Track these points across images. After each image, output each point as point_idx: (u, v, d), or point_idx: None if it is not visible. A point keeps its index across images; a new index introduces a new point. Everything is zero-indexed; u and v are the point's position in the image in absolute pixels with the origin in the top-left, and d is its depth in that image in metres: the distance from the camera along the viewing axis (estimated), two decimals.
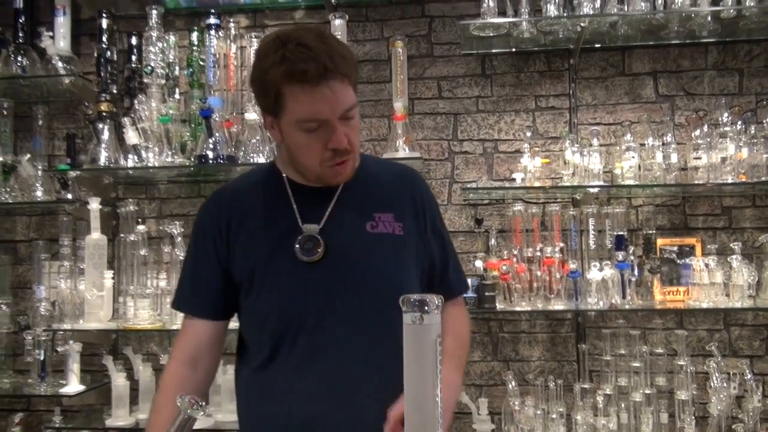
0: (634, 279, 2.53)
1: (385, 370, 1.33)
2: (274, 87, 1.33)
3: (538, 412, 2.49)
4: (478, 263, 2.59)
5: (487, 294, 2.50)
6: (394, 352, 1.29)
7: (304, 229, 1.44)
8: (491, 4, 2.60)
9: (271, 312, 1.45)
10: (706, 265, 2.50)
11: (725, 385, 2.44)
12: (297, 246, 1.43)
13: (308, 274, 1.43)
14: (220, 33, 2.75)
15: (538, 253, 2.57)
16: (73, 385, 2.62)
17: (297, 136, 1.38)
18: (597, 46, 2.77)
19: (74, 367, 2.63)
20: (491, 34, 2.69)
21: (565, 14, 2.58)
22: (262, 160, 2.61)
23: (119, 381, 2.59)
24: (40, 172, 2.83)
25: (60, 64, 2.75)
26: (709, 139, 2.56)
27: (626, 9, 2.56)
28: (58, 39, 2.81)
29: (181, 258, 2.60)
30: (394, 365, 1.31)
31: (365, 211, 1.49)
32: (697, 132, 2.59)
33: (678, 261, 2.59)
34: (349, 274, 1.43)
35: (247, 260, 1.47)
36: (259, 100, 1.43)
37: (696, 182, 2.56)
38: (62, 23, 2.83)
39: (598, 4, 2.57)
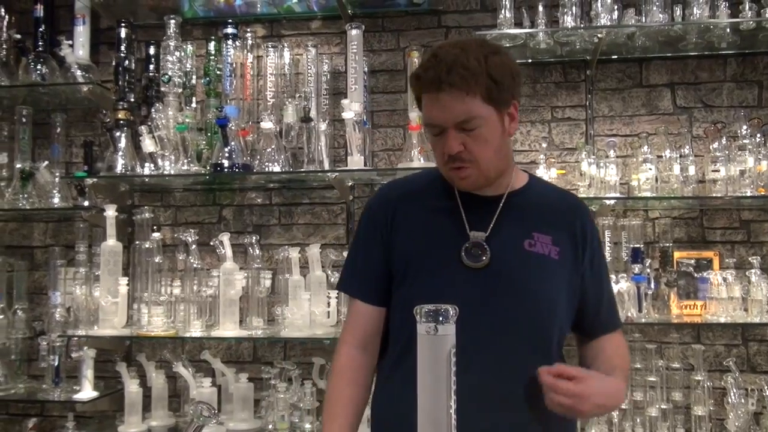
0: (650, 292, 2.51)
1: (518, 387, 1.42)
2: (414, 91, 1.50)
3: None
4: None
5: None
6: (533, 370, 1.40)
7: (471, 236, 1.49)
8: (508, 15, 2.59)
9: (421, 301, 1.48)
10: (724, 279, 2.47)
11: (743, 401, 2.41)
12: (464, 251, 1.47)
13: (467, 278, 1.46)
14: (237, 43, 2.77)
15: None
16: (87, 391, 2.63)
17: (429, 138, 1.55)
18: (614, 57, 2.76)
19: (88, 373, 2.64)
20: (507, 45, 2.68)
21: (582, 25, 2.57)
22: (277, 169, 2.62)
23: (132, 388, 2.60)
24: (57, 179, 2.85)
25: (79, 72, 2.78)
26: (727, 152, 2.53)
27: (644, 20, 2.54)
28: (78, 48, 2.84)
29: (196, 266, 2.62)
30: (528, 383, 1.41)
31: (525, 228, 1.52)
32: (716, 144, 2.57)
33: (695, 274, 2.55)
34: (506, 285, 1.47)
35: (408, 249, 1.52)
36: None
37: (714, 195, 2.53)
38: (81, 32, 2.87)
39: (615, 16, 2.56)
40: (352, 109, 2.52)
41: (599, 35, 2.51)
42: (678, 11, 2.53)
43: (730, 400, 2.42)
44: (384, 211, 1.57)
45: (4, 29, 2.89)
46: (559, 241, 1.52)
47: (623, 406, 2.48)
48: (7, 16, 2.90)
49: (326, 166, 2.62)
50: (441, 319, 0.94)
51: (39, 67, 2.83)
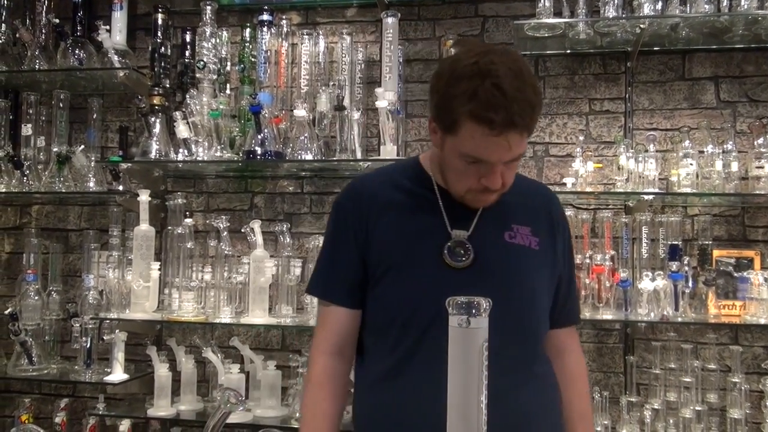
0: (687, 291, 2.44)
1: (506, 382, 1.36)
2: (454, 115, 1.32)
3: None
4: None
5: None
6: (527, 365, 1.45)
7: (452, 235, 1.45)
8: (547, 4, 2.54)
9: (405, 302, 1.44)
10: (766, 280, 2.39)
11: None
12: (446, 250, 1.43)
13: (449, 278, 1.42)
14: (272, 30, 2.76)
15: (588, 260, 2.50)
16: (118, 374, 2.66)
17: (456, 161, 1.38)
18: (656, 48, 2.68)
19: (119, 355, 2.67)
20: (546, 35, 2.63)
21: (623, 15, 2.50)
22: (309, 157, 2.61)
23: (162, 371, 2.62)
24: (92, 163, 2.89)
25: (115, 57, 2.80)
26: None
27: (688, 11, 2.47)
28: (115, 33, 2.86)
29: (227, 253, 2.62)
30: (522, 378, 1.44)
31: (506, 222, 1.50)
32: (760, 140, 2.48)
33: (735, 274, 2.48)
34: (489, 282, 1.43)
35: (388, 250, 1.47)
36: (433, 108, 1.40)
37: (757, 192, 2.45)
38: (119, 18, 2.89)
39: (659, 6, 2.49)
40: (386, 98, 2.50)
41: (641, 26, 2.44)
42: (725, 2, 2.45)
43: (767, 403, 2.35)
44: (358, 209, 1.51)
45: (44, 14, 2.92)
46: (538, 231, 1.51)
47: (656, 406, 2.43)
48: (46, 1, 2.94)
49: (359, 156, 2.60)
50: (473, 311, 0.91)
51: (77, 51, 2.87)
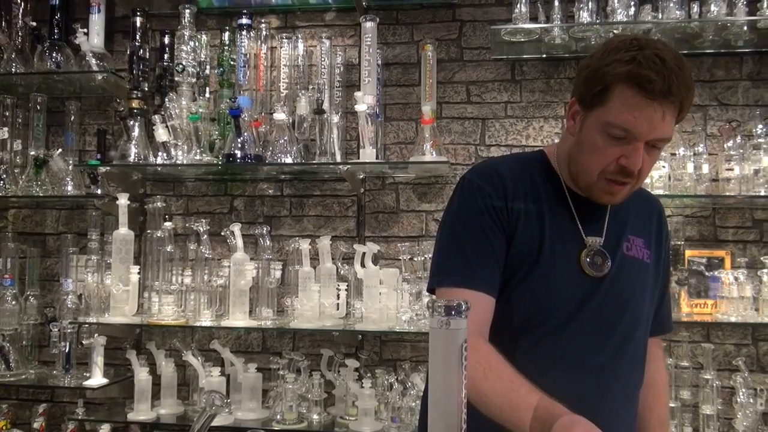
0: None
1: (614, 397, 1.40)
2: (607, 80, 1.28)
3: None
4: None
5: None
6: (628, 378, 1.42)
7: (588, 242, 1.42)
8: (523, 9, 2.58)
9: (536, 304, 1.40)
10: (736, 279, 2.46)
11: (752, 401, 2.40)
12: (587, 258, 1.40)
13: (581, 285, 1.40)
14: (252, 33, 2.77)
15: None
16: (97, 378, 2.65)
17: (597, 136, 1.33)
18: None
19: (98, 360, 2.66)
20: (522, 40, 2.67)
21: (597, 21, 2.56)
22: (289, 160, 2.63)
23: (142, 375, 2.61)
24: (70, 167, 2.87)
25: (93, 60, 2.79)
26: (741, 151, 2.51)
27: (660, 17, 2.53)
28: (93, 36, 2.85)
29: (207, 256, 2.62)
30: (621, 393, 1.42)
31: (623, 231, 1.46)
32: (730, 143, 2.55)
33: (706, 273, 2.54)
34: (610, 295, 1.41)
35: (529, 248, 1.40)
36: (579, 86, 1.37)
37: (727, 194, 2.51)
38: (97, 21, 2.87)
39: (632, 12, 2.54)
40: (365, 101, 2.52)
41: (615, 31, 2.50)
42: (695, 8, 2.51)
43: (738, 399, 2.42)
44: (502, 194, 1.42)
45: (20, 17, 2.90)
46: (650, 243, 1.49)
47: None
48: (23, 4, 2.91)
49: (338, 159, 2.62)
50: (453, 312, 0.93)
51: (54, 54, 2.85)
